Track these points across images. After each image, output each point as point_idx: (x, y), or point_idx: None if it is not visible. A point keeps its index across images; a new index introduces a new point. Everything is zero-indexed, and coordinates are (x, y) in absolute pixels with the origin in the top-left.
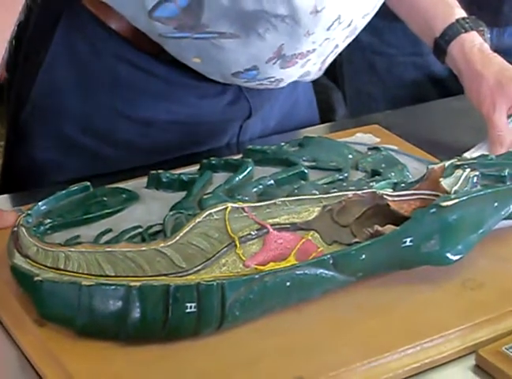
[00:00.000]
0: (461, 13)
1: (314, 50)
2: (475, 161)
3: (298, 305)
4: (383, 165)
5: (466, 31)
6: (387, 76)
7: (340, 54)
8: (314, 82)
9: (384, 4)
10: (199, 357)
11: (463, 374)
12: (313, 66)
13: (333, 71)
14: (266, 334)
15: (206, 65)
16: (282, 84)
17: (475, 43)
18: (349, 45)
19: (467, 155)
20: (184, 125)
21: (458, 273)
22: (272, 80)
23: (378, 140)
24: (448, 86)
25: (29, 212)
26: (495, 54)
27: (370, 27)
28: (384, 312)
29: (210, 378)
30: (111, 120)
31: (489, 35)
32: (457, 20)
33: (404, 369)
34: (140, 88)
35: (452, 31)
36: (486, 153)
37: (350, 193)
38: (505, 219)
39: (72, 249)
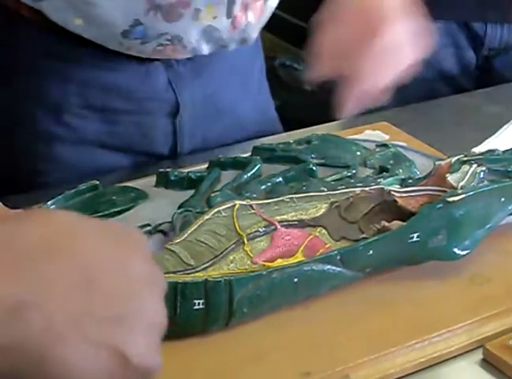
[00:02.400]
0: None
1: None
2: (481, 156)
3: (305, 302)
4: (391, 161)
5: None
6: None
7: None
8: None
9: None
10: (207, 353)
11: (470, 368)
12: (215, 20)
13: None
14: (274, 330)
15: (90, 27)
16: (190, 46)
17: None
18: None
19: (475, 151)
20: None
21: (466, 268)
22: (169, 37)
23: (386, 137)
24: (458, 83)
25: None
26: None
27: None
28: (391, 307)
29: (218, 374)
30: (31, 109)
31: None
32: None
33: (412, 363)
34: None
35: None
36: (493, 148)
37: (358, 190)
38: None
39: None
